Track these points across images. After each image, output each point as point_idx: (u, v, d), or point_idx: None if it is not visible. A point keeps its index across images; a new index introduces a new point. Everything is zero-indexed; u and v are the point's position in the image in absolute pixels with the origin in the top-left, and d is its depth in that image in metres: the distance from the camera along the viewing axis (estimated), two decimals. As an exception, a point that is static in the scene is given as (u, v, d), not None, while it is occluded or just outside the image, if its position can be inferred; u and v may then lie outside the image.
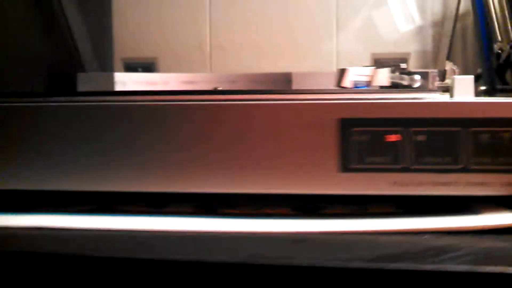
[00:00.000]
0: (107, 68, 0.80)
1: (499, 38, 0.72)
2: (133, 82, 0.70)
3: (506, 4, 0.74)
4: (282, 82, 0.72)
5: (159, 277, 0.24)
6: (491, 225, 0.27)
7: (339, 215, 0.29)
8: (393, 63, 0.78)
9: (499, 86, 0.73)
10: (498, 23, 0.73)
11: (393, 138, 0.28)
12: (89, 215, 0.31)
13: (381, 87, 0.42)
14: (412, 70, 0.64)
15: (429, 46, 0.78)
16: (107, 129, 0.31)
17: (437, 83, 0.57)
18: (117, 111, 0.31)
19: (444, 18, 0.79)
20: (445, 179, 0.28)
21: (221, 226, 0.28)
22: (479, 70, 0.75)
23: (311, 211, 0.30)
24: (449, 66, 0.55)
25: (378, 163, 0.28)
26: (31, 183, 0.32)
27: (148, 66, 0.77)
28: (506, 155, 0.28)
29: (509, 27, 0.73)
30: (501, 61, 0.72)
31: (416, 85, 0.55)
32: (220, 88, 0.56)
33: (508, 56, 0.72)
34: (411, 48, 0.77)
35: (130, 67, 0.78)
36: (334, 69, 0.80)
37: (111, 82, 0.69)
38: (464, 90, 0.50)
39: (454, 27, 0.73)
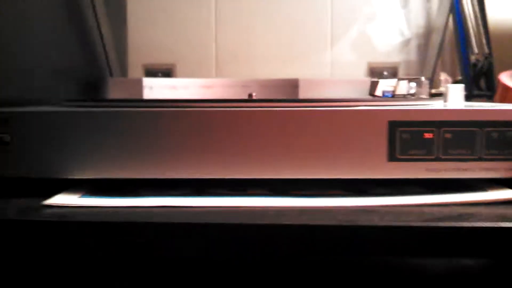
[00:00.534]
0: (125, 73, 0.87)
1: (476, 50, 0.83)
2: (158, 86, 0.78)
3: (481, 21, 0.85)
4: (290, 87, 0.81)
5: (246, 238, 0.32)
6: (497, 199, 0.37)
7: (388, 194, 0.38)
8: (387, 71, 0.89)
9: (475, 92, 0.84)
10: (474, 38, 0.84)
11: (428, 136, 0.38)
12: (188, 197, 0.39)
13: (402, 95, 0.52)
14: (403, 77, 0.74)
15: (415, 56, 0.88)
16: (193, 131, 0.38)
17: (433, 90, 0.67)
18: (191, 115, 0.38)
19: (427, 31, 0.90)
20: (465, 166, 0.38)
21: (290, 203, 0.37)
22: (458, 78, 0.86)
23: (362, 192, 0.39)
24: (443, 76, 0.65)
25: (416, 154, 0.38)
26: (137, 173, 0.39)
27: (167, 72, 0.85)
28: (509, 147, 0.38)
29: (484, 41, 0.84)
30: (477, 70, 0.84)
31: (412, 91, 0.65)
32: (253, 94, 0.64)
33: (482, 67, 0.83)
34: (400, 58, 0.88)
35: (151, 73, 0.85)
36: (329, 76, 0.91)
37: (140, 86, 0.76)
38: (455, 96, 0.60)
39: (442, 40, 0.84)
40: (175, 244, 0.34)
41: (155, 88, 0.77)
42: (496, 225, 0.32)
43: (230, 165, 0.39)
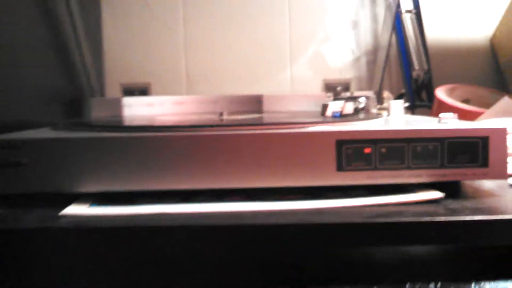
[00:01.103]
0: (103, 92, 0.95)
1: (416, 66, 0.95)
2: (136, 104, 0.86)
3: (420, 40, 0.96)
4: (255, 102, 0.90)
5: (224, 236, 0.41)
6: (422, 199, 0.48)
7: (339, 197, 0.48)
8: (340, 86, 0.99)
9: (418, 103, 0.96)
10: (415, 55, 0.95)
11: (367, 150, 0.48)
12: (178, 204, 0.47)
13: (348, 114, 0.62)
14: (356, 92, 0.85)
15: (364, 72, 0.99)
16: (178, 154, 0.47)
17: (378, 106, 0.78)
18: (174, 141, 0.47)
19: (375, 48, 1.01)
20: (397, 173, 0.48)
21: (260, 207, 0.46)
22: (403, 90, 0.97)
23: (316, 196, 0.49)
24: (386, 94, 0.75)
25: (359, 165, 0.48)
26: (134, 186, 0.48)
27: (143, 90, 0.93)
28: (430, 157, 0.48)
29: (423, 58, 0.95)
30: (418, 84, 0.95)
31: (361, 106, 0.75)
32: (224, 113, 0.73)
33: (422, 81, 0.95)
34: (351, 74, 0.99)
35: (128, 91, 0.93)
36: (289, 92, 1.01)
37: (120, 105, 0.84)
38: (397, 110, 0.71)
39: (386, 57, 0.95)
40: (168, 242, 0.43)
41: (134, 106, 0.85)
42: (419, 220, 0.42)
43: (210, 178, 0.48)
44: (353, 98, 0.74)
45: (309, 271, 0.54)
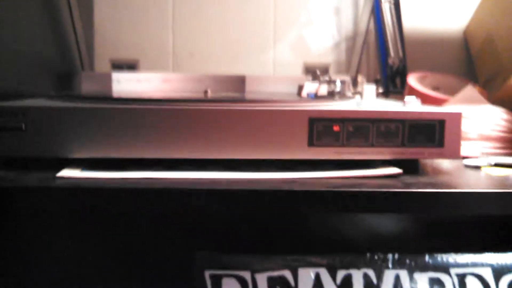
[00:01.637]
0: (93, 66, 0.99)
1: (392, 54, 1.00)
2: (125, 80, 0.91)
3: (397, 28, 1.01)
4: (238, 82, 0.95)
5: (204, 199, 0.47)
6: (382, 174, 0.53)
7: (307, 170, 0.53)
8: (320, 70, 1.04)
9: (391, 89, 1.01)
10: (391, 42, 1.00)
11: (336, 128, 0.53)
12: (161, 171, 0.52)
13: (323, 96, 0.67)
14: (333, 76, 0.90)
15: (343, 57, 1.04)
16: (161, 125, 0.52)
17: (352, 89, 0.83)
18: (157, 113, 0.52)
19: (355, 34, 1.06)
20: (362, 150, 0.53)
21: (240, 176, 0.51)
22: (378, 77, 1.02)
23: (289, 169, 0.54)
24: (360, 78, 0.80)
25: (328, 142, 0.53)
26: (123, 153, 0.53)
27: (131, 65, 0.98)
28: (392, 137, 0.54)
29: (398, 46, 1.01)
30: (393, 71, 1.00)
31: (337, 89, 0.80)
32: (208, 91, 0.77)
33: (397, 68, 1.00)
34: (331, 58, 1.04)
35: (116, 66, 0.97)
36: (272, 73, 1.05)
37: (109, 80, 0.88)
38: (369, 94, 0.76)
39: (363, 44, 1.00)
40: (154, 203, 0.48)
41: (123, 82, 0.90)
42: (375, 190, 0.48)
43: (194, 148, 0.53)
44: (329, 81, 0.79)
45: (276, 237, 0.60)
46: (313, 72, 0.98)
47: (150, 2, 1.01)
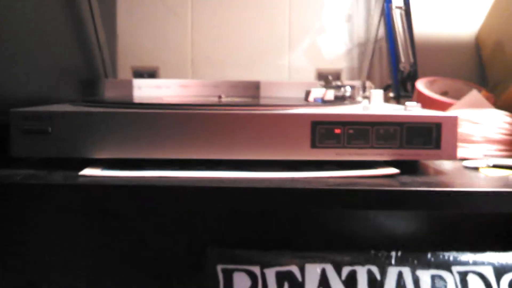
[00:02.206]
0: (116, 73, 1.04)
1: (402, 59, 1.03)
2: (145, 86, 0.96)
3: (408, 34, 1.04)
4: (253, 88, 0.99)
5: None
6: (380, 174, 0.57)
7: (309, 170, 0.57)
8: (332, 76, 1.07)
9: (402, 94, 1.04)
10: (402, 48, 1.03)
11: (337, 131, 0.57)
12: (176, 170, 0.57)
13: (330, 100, 0.70)
14: (345, 81, 0.93)
15: (356, 63, 1.08)
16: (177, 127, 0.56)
17: (361, 94, 0.86)
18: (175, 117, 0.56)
19: (366, 41, 1.10)
20: (362, 152, 0.57)
21: (248, 175, 0.55)
22: (390, 82, 1.05)
23: (293, 169, 0.58)
24: (368, 83, 0.84)
25: (329, 143, 0.57)
26: (141, 154, 0.57)
27: (152, 73, 1.03)
28: (391, 139, 0.57)
29: (409, 51, 1.03)
30: (404, 76, 1.03)
31: (348, 94, 0.84)
32: (222, 96, 0.82)
33: (408, 73, 1.03)
34: (343, 64, 1.07)
35: (138, 74, 1.03)
36: (287, 79, 1.09)
37: (131, 86, 0.94)
38: (377, 98, 0.80)
39: (373, 51, 1.03)
40: (170, 200, 0.52)
41: (143, 88, 0.95)
42: (372, 188, 0.51)
43: (206, 150, 0.57)
44: (339, 87, 0.83)
45: (285, 234, 0.63)
46: (325, 77, 1.01)
47: (170, 12, 1.06)
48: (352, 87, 0.84)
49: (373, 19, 1.08)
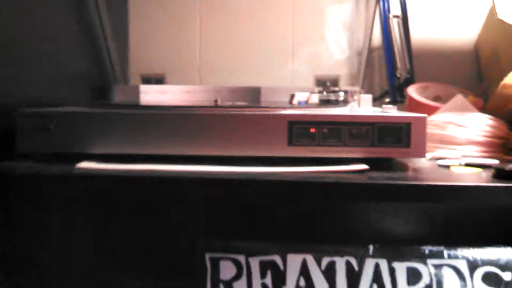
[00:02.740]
0: (127, 80, 1.11)
1: (399, 66, 1.06)
2: (152, 91, 1.02)
3: (405, 41, 1.08)
4: (254, 93, 1.04)
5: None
6: (352, 169, 0.61)
7: (289, 165, 0.62)
8: (329, 82, 1.12)
9: (399, 99, 1.07)
10: (398, 55, 1.07)
11: (312, 130, 0.61)
12: (164, 164, 0.62)
13: (314, 103, 0.75)
14: (342, 87, 0.98)
15: (352, 70, 1.12)
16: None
17: (351, 99, 0.90)
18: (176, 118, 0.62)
19: (364, 48, 1.14)
20: (336, 150, 0.61)
21: (234, 169, 0.60)
22: (387, 88, 1.09)
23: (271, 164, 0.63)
24: (357, 88, 0.88)
25: (305, 142, 0.61)
26: (136, 150, 0.63)
27: (159, 79, 1.09)
28: (363, 138, 0.62)
29: (405, 58, 1.07)
30: (400, 82, 1.07)
31: (341, 99, 0.88)
32: (218, 100, 0.87)
33: (405, 79, 1.06)
34: (342, 71, 1.12)
35: (146, 80, 1.09)
36: (290, 85, 1.14)
37: (138, 92, 1.00)
38: (366, 103, 0.84)
39: (368, 58, 1.07)
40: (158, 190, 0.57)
41: (150, 93, 1.01)
42: (338, 181, 0.56)
43: (191, 147, 0.63)
44: (334, 92, 0.87)
45: (269, 225, 0.68)
46: (323, 83, 1.06)
47: (179, 22, 1.13)
48: (346, 92, 0.88)
49: (371, 28, 1.12)
